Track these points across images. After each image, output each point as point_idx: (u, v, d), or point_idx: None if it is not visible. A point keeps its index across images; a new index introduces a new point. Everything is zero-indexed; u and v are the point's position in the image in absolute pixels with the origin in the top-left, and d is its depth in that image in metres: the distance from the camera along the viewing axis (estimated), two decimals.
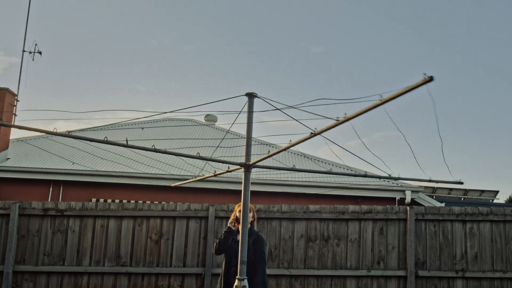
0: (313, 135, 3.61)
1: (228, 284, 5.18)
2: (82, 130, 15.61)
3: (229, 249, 5.27)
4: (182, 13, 41.47)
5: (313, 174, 12.85)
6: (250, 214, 5.23)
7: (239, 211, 5.19)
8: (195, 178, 6.01)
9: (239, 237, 4.88)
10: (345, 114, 3.17)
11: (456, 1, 39.89)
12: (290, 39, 42.11)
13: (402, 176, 5.05)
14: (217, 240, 5.37)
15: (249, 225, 5.08)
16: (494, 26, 41.42)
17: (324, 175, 12.74)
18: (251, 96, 4.74)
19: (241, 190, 4.66)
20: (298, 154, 14.79)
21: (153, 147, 4.60)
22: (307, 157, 14.69)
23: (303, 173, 13.10)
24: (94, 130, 15.69)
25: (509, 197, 30.89)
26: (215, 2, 40.16)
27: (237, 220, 5.31)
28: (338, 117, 3.23)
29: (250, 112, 4.68)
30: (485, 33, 41.69)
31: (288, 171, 13.01)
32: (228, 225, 5.33)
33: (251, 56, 44.28)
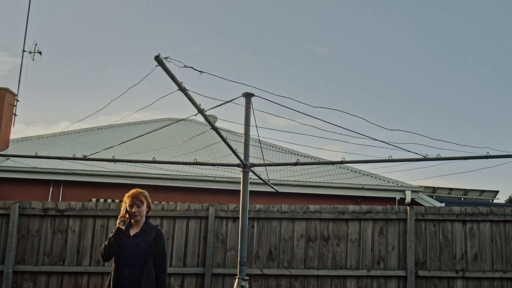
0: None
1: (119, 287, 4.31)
2: (83, 130, 15.62)
3: (120, 248, 4.41)
4: (187, 14, 41.49)
5: (313, 174, 12.84)
6: (144, 205, 4.48)
7: (129, 204, 4.47)
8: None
9: (132, 232, 4.42)
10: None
11: (462, 4, 39.89)
12: (294, 40, 42.13)
13: (441, 155, 4.63)
14: (106, 244, 4.46)
15: (143, 218, 4.45)
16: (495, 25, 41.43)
17: (324, 175, 12.74)
18: (248, 96, 4.75)
19: (241, 190, 4.67)
20: (299, 155, 14.79)
21: (154, 159, 4.68)
22: (308, 157, 14.69)
23: (303, 174, 13.09)
24: (95, 129, 15.70)
25: (509, 197, 30.86)
26: (221, 4, 40.18)
27: (126, 215, 4.53)
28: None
29: (247, 111, 4.70)
30: None
31: (289, 170, 12.99)
32: (117, 225, 4.50)
33: (256, 57, 44.31)
